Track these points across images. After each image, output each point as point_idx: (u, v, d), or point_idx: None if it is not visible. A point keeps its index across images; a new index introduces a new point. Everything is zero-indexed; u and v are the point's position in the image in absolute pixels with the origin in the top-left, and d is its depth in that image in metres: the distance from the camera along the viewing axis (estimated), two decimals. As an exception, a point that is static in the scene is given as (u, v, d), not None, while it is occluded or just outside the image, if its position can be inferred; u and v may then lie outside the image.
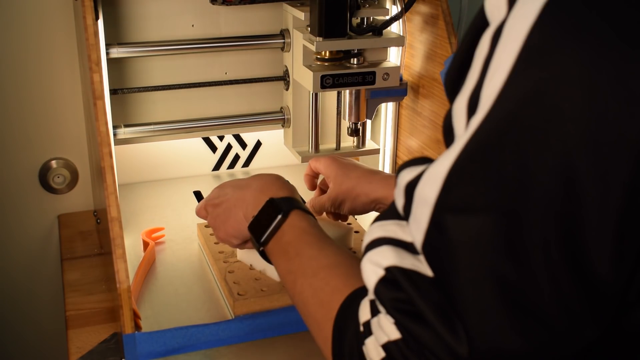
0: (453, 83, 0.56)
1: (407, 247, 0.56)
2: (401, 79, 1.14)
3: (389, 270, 0.55)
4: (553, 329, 0.49)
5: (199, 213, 0.95)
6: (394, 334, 0.53)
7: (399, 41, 1.09)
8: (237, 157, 1.35)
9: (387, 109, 1.23)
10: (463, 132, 0.52)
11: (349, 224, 1.11)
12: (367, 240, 0.59)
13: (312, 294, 0.68)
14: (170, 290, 0.98)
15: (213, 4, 1.13)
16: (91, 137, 1.06)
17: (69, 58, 1.19)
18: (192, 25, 1.16)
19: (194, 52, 1.17)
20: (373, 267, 0.56)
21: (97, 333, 0.93)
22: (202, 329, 0.86)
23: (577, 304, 0.48)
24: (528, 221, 0.48)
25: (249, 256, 0.99)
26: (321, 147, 1.18)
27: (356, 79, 1.06)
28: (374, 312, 0.56)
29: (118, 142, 1.14)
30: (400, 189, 0.58)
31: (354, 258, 0.70)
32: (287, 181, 0.87)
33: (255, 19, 1.19)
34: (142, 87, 1.16)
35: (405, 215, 0.57)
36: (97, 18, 0.96)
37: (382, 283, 0.55)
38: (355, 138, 1.18)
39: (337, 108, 1.15)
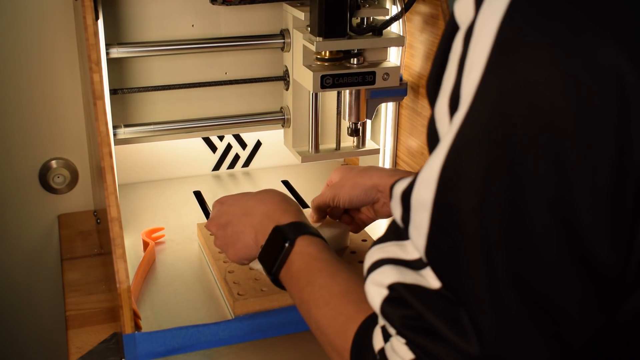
0: (433, 90, 0.57)
1: (407, 264, 0.56)
2: (401, 79, 1.14)
3: (392, 288, 0.55)
4: (565, 318, 0.49)
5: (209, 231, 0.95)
6: (408, 354, 0.53)
7: (399, 41, 1.09)
8: (237, 157, 1.35)
9: (387, 109, 1.23)
10: (447, 131, 0.52)
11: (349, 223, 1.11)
12: (367, 263, 0.59)
13: (327, 324, 0.67)
14: (170, 290, 0.98)
15: (213, 4, 1.13)
16: (91, 137, 1.06)
17: (69, 58, 1.19)
18: (192, 25, 1.16)
19: (194, 52, 1.17)
20: (376, 288, 0.56)
21: (97, 333, 0.93)
22: (202, 329, 0.86)
23: (583, 290, 0.49)
24: (528, 211, 0.48)
25: None
26: (321, 147, 1.18)
27: (356, 79, 1.06)
28: (386, 337, 0.56)
29: (118, 142, 1.14)
30: (396, 199, 0.58)
31: None
32: (292, 201, 0.86)
33: (255, 19, 1.19)
34: (142, 87, 1.16)
35: (404, 225, 0.57)
36: (97, 18, 0.96)
37: (387, 302, 0.55)
38: (355, 138, 1.18)
39: (337, 108, 1.15)
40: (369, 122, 1.19)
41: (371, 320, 0.61)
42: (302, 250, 0.76)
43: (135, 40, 1.14)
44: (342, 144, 1.19)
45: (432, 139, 0.56)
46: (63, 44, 1.18)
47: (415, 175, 0.55)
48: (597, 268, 0.48)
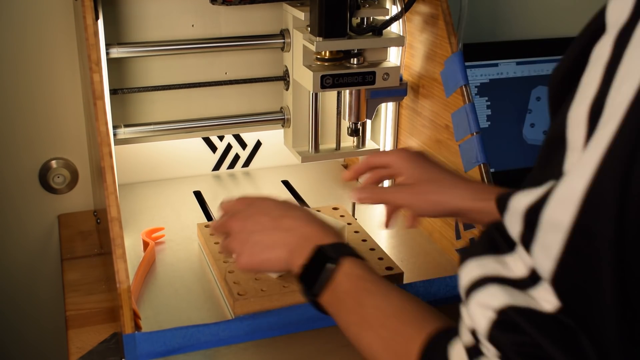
0: (559, 90, 0.53)
1: (513, 283, 0.52)
2: (401, 79, 1.14)
3: (504, 312, 0.51)
4: None
5: (218, 229, 0.86)
6: None
7: (399, 41, 1.09)
8: (237, 157, 1.35)
9: (387, 109, 1.23)
10: (583, 144, 0.48)
11: (349, 223, 1.11)
12: (466, 280, 0.55)
13: (383, 346, 0.64)
14: (170, 290, 0.98)
15: (213, 4, 1.13)
16: (91, 137, 1.06)
17: (69, 58, 1.19)
18: (192, 25, 1.16)
19: (194, 52, 1.17)
20: (482, 310, 0.52)
21: (97, 333, 0.93)
22: (202, 329, 0.86)
23: None
24: None
25: None
26: (321, 147, 1.18)
27: (356, 79, 1.06)
28: (473, 355, 0.53)
29: (118, 142, 1.14)
30: (517, 214, 0.52)
31: (419, 301, 0.67)
32: (329, 225, 0.81)
33: (255, 19, 1.19)
34: (142, 87, 1.16)
35: (524, 243, 0.52)
36: (97, 18, 0.96)
37: (497, 327, 0.51)
38: (355, 138, 1.18)
39: (337, 108, 1.15)
40: (369, 122, 1.19)
41: (440, 338, 0.59)
42: (349, 271, 0.72)
43: (135, 40, 1.14)
44: (342, 144, 1.19)
45: (555, 143, 0.51)
46: (63, 44, 1.18)
47: (547, 191, 0.50)
48: None
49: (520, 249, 0.53)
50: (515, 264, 0.53)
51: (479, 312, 0.52)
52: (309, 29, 1.06)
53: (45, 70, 1.19)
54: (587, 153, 0.46)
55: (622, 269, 0.46)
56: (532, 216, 0.50)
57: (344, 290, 0.71)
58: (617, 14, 0.47)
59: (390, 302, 0.67)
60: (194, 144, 1.30)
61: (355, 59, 1.07)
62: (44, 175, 1.25)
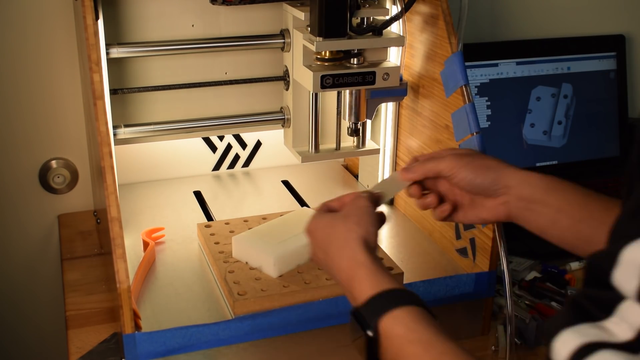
0: None
1: (623, 348, 0.48)
2: (401, 79, 1.14)
3: None
4: None
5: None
6: None
7: (399, 41, 1.09)
8: (237, 157, 1.35)
9: (387, 109, 1.23)
10: None
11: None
12: (565, 351, 0.50)
13: None
14: (170, 290, 0.98)
15: (213, 4, 1.13)
16: (91, 137, 1.06)
17: (69, 58, 1.19)
18: (192, 25, 1.16)
19: (194, 52, 1.17)
20: None
21: (97, 333, 0.93)
22: (202, 329, 0.86)
23: None
24: None
25: (244, 254, 0.99)
26: (321, 147, 1.18)
27: (356, 79, 1.06)
28: None
29: (118, 142, 1.14)
30: (633, 267, 0.49)
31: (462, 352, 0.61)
32: (373, 261, 0.72)
33: (255, 19, 1.19)
34: (142, 87, 1.16)
35: None
36: (97, 18, 0.96)
37: None
38: (355, 138, 1.18)
39: (337, 108, 1.15)
40: (369, 122, 1.19)
41: None
42: (389, 334, 0.64)
43: (135, 40, 1.14)
44: (342, 144, 1.19)
45: None
46: (63, 44, 1.18)
47: None
48: None
49: (624, 310, 0.49)
50: (619, 328, 0.49)
51: None
52: (309, 29, 1.06)
53: (45, 70, 1.19)
54: None
55: None
56: None
57: (390, 357, 0.65)
58: None
59: (430, 354, 0.61)
60: (194, 144, 1.30)
61: (355, 59, 1.06)
62: (44, 175, 1.25)
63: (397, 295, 0.67)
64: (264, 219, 1.11)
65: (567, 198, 0.76)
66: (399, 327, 0.64)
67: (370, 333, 0.64)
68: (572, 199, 0.76)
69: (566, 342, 0.50)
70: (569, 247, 0.78)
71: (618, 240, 0.50)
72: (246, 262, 0.99)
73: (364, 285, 0.69)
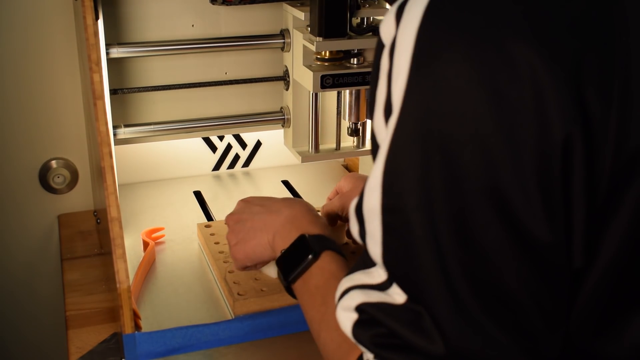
0: (370, 107, 0.60)
1: (373, 287, 0.57)
2: (401, 79, 1.14)
3: (360, 309, 0.56)
4: (520, 310, 0.51)
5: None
6: None
7: (399, 41, 1.09)
8: (237, 157, 1.35)
9: (387, 109, 1.23)
10: (384, 138, 0.55)
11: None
12: (337, 294, 0.60)
13: (333, 349, 0.66)
14: (170, 290, 0.98)
15: (213, 4, 1.13)
16: (91, 137, 1.06)
17: (69, 58, 1.19)
18: (192, 25, 1.16)
19: (194, 52, 1.17)
20: (346, 313, 0.58)
21: (97, 333, 0.93)
22: (202, 329, 0.86)
23: (532, 278, 0.50)
24: (466, 203, 0.50)
25: None
26: (321, 147, 1.18)
27: (356, 79, 1.06)
28: None
29: (118, 142, 1.14)
30: (352, 216, 0.59)
31: None
32: (319, 215, 0.85)
33: (255, 19, 1.19)
34: (142, 87, 1.16)
35: (362, 240, 0.58)
36: (97, 18, 0.96)
37: (357, 325, 0.56)
38: (355, 138, 1.18)
39: (337, 108, 1.15)
40: (369, 122, 1.19)
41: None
42: (325, 266, 0.74)
43: (135, 40, 1.14)
44: (342, 144, 1.19)
45: (374, 150, 0.58)
46: (63, 44, 1.18)
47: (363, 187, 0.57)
48: (541, 253, 0.50)
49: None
50: (377, 272, 0.57)
51: (344, 316, 0.58)
52: (309, 29, 1.06)
53: (45, 70, 1.19)
54: (382, 145, 0.55)
55: (435, 233, 0.50)
56: (359, 212, 0.58)
57: (314, 283, 0.74)
58: (387, 32, 0.56)
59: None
60: (194, 144, 1.30)
61: (355, 59, 1.07)
62: (44, 175, 1.25)
63: (338, 245, 0.78)
64: (264, 219, 1.11)
65: None
66: (334, 265, 0.74)
67: (311, 257, 0.74)
68: None
69: (340, 286, 0.60)
70: None
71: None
72: None
73: (313, 228, 0.79)
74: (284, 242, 0.79)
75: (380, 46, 0.58)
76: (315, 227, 0.80)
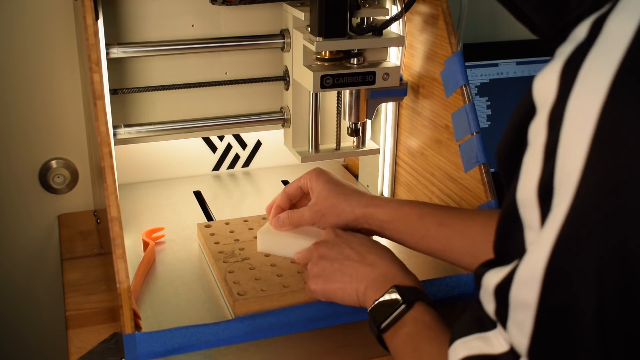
0: (506, 162, 0.55)
1: (495, 359, 0.54)
2: (401, 79, 1.14)
3: None
4: None
5: (301, 259, 0.92)
6: None
7: (399, 41, 1.09)
8: (237, 157, 1.35)
9: (387, 109, 1.23)
10: (538, 224, 0.49)
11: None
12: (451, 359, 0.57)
13: None
14: (170, 290, 0.98)
15: (213, 4, 1.13)
16: (91, 137, 1.06)
17: (69, 58, 1.19)
18: (192, 25, 1.16)
19: (194, 52, 1.17)
20: None
21: (97, 333, 0.92)
22: (202, 329, 0.86)
23: None
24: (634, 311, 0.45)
25: (270, 246, 1.01)
26: (321, 147, 1.18)
27: (356, 79, 1.06)
28: None
29: (118, 142, 1.14)
30: (488, 292, 0.55)
31: None
32: (409, 270, 0.84)
33: (255, 19, 1.19)
34: (142, 87, 1.16)
35: (500, 320, 0.54)
36: (97, 18, 0.96)
37: None
38: (355, 138, 1.18)
39: (337, 108, 1.15)
40: (369, 122, 1.19)
41: None
42: (418, 316, 0.74)
43: (135, 40, 1.14)
44: (342, 144, 1.20)
45: (511, 219, 0.53)
46: (63, 44, 1.18)
47: (512, 270, 0.52)
48: None
49: (499, 325, 0.55)
50: (498, 340, 0.54)
51: None
52: (309, 29, 1.06)
53: (45, 70, 1.19)
54: (544, 233, 0.48)
55: (601, 338, 0.46)
56: (502, 295, 0.52)
57: (407, 332, 0.73)
58: (543, 93, 0.48)
59: (444, 352, 0.65)
60: (194, 144, 1.31)
61: (355, 59, 1.07)
62: (44, 175, 1.25)
63: (429, 298, 0.77)
64: (264, 219, 1.11)
65: (407, 223, 0.90)
66: (427, 316, 0.73)
67: (404, 306, 0.74)
68: (410, 223, 0.90)
69: (455, 352, 0.57)
70: (449, 260, 0.91)
71: (483, 264, 0.57)
72: (266, 254, 1.01)
73: (407, 281, 0.79)
74: (377, 294, 0.79)
75: (529, 105, 0.50)
76: (409, 280, 0.80)
